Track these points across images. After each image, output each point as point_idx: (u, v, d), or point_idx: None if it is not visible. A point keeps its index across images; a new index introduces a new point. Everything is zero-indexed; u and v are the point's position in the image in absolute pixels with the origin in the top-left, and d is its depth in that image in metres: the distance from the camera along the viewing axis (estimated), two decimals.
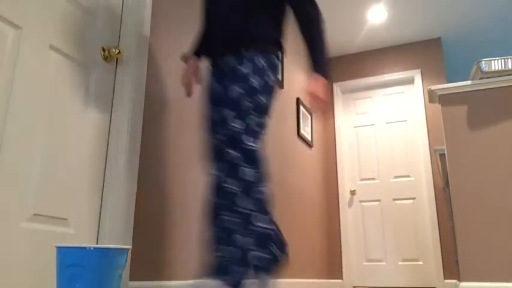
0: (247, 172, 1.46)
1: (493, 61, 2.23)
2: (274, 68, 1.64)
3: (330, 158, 4.71)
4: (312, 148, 4.34)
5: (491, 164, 2.14)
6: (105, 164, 1.78)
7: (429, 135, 4.34)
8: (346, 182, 4.60)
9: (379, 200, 4.45)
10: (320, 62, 1.60)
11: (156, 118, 2.02)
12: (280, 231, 1.53)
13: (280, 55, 1.69)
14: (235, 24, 1.64)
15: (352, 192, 4.54)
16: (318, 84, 1.56)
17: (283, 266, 1.52)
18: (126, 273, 1.69)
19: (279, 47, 1.69)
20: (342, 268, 4.35)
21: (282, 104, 3.67)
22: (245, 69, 1.57)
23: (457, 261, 2.53)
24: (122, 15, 1.96)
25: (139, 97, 1.89)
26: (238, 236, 1.43)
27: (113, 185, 1.75)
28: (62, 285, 1.02)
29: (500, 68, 2.22)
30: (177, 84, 2.21)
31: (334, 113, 4.81)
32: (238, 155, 1.48)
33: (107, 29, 1.87)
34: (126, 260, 1.09)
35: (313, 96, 1.56)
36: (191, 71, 1.86)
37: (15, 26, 1.44)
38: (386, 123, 4.63)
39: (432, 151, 4.26)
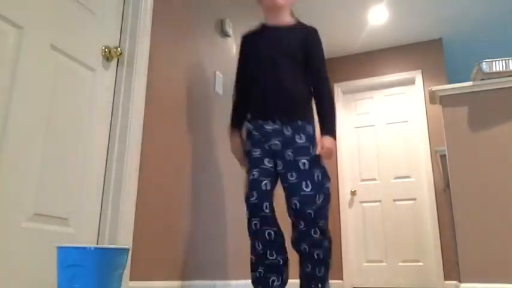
0: None
1: (494, 62, 2.22)
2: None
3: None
4: None
5: (492, 165, 2.13)
6: (106, 164, 1.78)
7: (430, 136, 4.34)
8: (346, 182, 4.60)
9: (379, 201, 4.44)
10: (331, 127, 1.82)
11: (156, 118, 2.01)
12: None
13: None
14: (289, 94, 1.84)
15: (353, 193, 4.54)
16: (330, 142, 1.77)
17: None
18: (126, 273, 1.69)
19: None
20: (342, 268, 4.34)
21: None
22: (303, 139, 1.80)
23: (457, 262, 2.53)
24: (123, 15, 1.96)
25: (140, 97, 1.89)
26: None
27: (113, 185, 1.75)
28: (62, 285, 1.02)
29: (501, 69, 2.22)
30: (177, 83, 2.21)
31: None
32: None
33: (109, 28, 1.87)
34: (126, 260, 1.09)
35: (327, 153, 1.77)
36: (238, 145, 1.98)
37: (17, 26, 1.44)
38: (387, 123, 4.62)
39: (433, 152, 4.25)
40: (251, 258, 1.78)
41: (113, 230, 1.70)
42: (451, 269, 3.89)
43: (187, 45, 2.32)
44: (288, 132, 1.80)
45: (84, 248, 1.02)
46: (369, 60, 4.83)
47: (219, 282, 2.34)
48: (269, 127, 1.82)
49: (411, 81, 4.62)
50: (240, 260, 2.63)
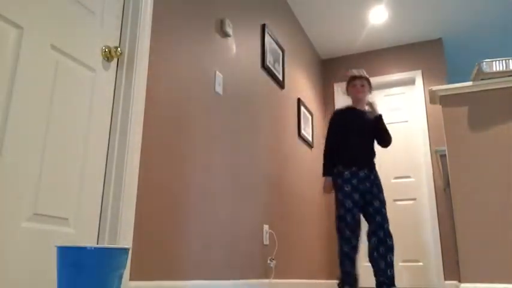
0: None
1: (494, 62, 2.22)
2: None
3: None
4: (313, 149, 4.34)
5: (492, 165, 2.13)
6: (106, 164, 1.78)
7: (430, 136, 4.34)
8: None
9: None
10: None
11: (156, 118, 2.02)
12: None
13: None
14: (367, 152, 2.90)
15: None
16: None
17: None
18: (126, 273, 1.69)
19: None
20: None
21: (283, 105, 3.66)
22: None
23: (457, 262, 2.53)
24: (123, 15, 1.96)
25: (140, 97, 1.89)
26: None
27: (113, 185, 1.75)
28: (62, 285, 1.02)
29: (501, 69, 2.22)
30: (177, 83, 2.21)
31: None
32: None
33: (109, 28, 1.87)
34: (126, 260, 1.09)
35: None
36: (331, 185, 2.91)
37: (17, 26, 1.44)
38: (387, 123, 4.59)
39: (433, 152, 4.25)
40: (340, 256, 2.75)
41: (113, 230, 1.70)
42: (451, 268, 3.89)
43: (187, 45, 2.32)
44: (363, 173, 2.77)
45: (84, 248, 1.02)
46: (369, 60, 4.83)
47: (219, 282, 2.34)
48: (361, 173, 2.77)
49: (411, 81, 4.62)
50: (240, 260, 2.63)
